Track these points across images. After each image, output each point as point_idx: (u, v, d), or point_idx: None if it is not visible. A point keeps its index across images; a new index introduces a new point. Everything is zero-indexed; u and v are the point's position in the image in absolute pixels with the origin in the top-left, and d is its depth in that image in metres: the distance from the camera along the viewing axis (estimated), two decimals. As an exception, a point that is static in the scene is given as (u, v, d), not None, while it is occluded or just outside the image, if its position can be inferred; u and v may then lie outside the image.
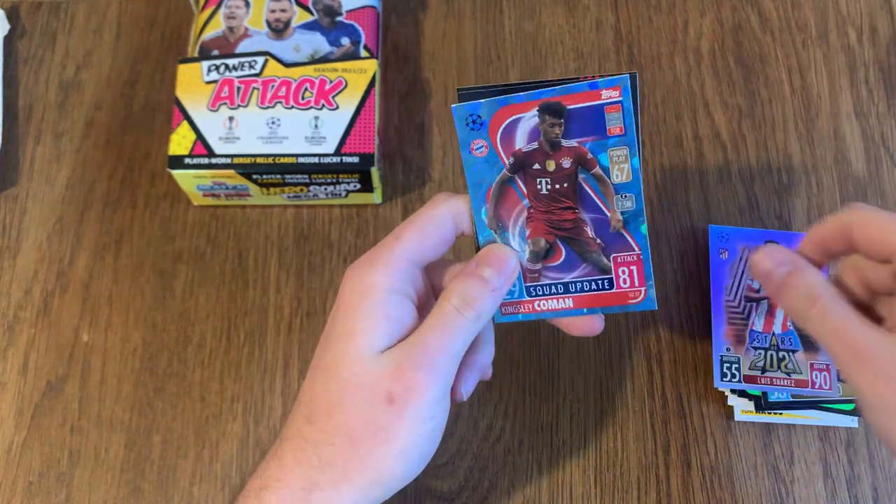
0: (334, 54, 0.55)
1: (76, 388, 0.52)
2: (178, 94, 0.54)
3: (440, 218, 0.37)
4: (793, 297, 0.36)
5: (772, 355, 0.50)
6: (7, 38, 0.61)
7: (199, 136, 0.53)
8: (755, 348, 0.50)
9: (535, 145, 0.35)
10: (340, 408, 0.35)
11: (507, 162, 0.36)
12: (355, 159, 0.52)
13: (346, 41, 0.56)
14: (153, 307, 0.54)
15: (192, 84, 0.54)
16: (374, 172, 0.53)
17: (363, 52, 0.56)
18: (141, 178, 0.57)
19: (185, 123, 0.53)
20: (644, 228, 0.36)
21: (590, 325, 0.39)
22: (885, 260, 0.35)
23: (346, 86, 0.54)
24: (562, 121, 0.35)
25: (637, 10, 0.62)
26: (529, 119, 0.35)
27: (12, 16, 0.62)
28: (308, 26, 0.56)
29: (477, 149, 0.36)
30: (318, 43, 0.56)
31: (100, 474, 0.50)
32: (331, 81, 0.54)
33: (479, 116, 0.35)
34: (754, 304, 0.51)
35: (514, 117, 0.35)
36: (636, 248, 0.36)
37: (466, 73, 0.60)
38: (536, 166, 0.36)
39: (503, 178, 0.36)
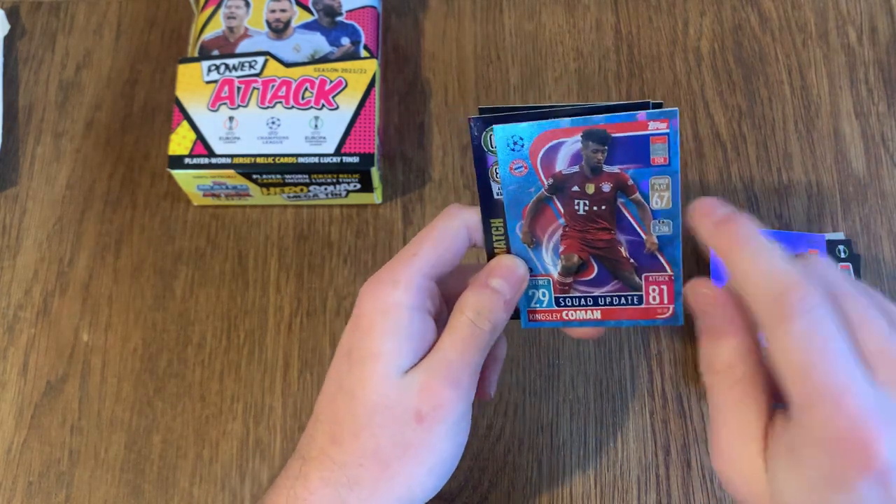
0: (334, 54, 0.55)
1: (76, 388, 0.52)
2: (178, 94, 0.54)
3: (456, 231, 0.37)
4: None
5: (772, 355, 0.50)
6: (7, 38, 0.61)
7: (199, 136, 0.53)
8: (755, 348, 0.50)
9: (575, 169, 0.36)
10: (369, 430, 0.35)
11: (545, 182, 0.36)
12: (355, 159, 0.52)
13: (346, 41, 0.56)
14: (153, 307, 0.54)
15: (192, 84, 0.54)
16: (374, 172, 0.53)
17: (363, 52, 0.56)
18: (141, 178, 0.57)
19: (185, 123, 0.53)
20: (678, 252, 0.37)
21: (593, 328, 0.39)
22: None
23: (346, 86, 0.54)
24: (605, 147, 0.35)
25: (637, 10, 0.62)
26: (572, 144, 0.35)
27: (12, 16, 0.62)
28: (308, 26, 0.56)
29: (516, 168, 0.36)
30: (318, 43, 0.56)
31: (100, 474, 0.50)
32: (331, 81, 0.54)
33: (521, 138, 0.36)
34: (754, 304, 0.51)
35: (556, 141, 0.35)
36: (669, 270, 0.37)
37: (466, 73, 0.60)
38: (575, 188, 0.36)
39: (541, 197, 0.37)
